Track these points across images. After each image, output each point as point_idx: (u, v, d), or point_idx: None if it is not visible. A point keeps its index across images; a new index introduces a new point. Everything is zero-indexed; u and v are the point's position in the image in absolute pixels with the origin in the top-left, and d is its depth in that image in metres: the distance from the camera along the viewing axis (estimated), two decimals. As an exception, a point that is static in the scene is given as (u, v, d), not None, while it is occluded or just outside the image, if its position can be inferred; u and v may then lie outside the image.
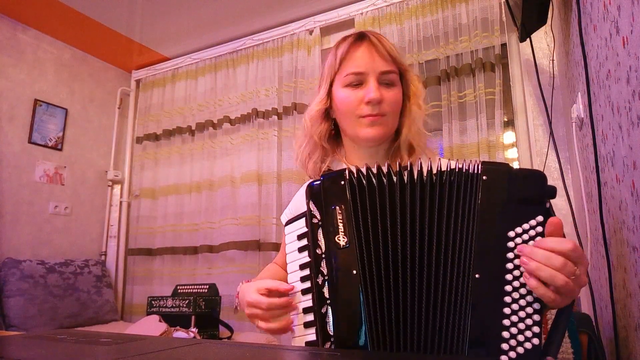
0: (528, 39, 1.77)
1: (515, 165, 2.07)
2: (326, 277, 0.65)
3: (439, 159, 0.92)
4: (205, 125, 2.79)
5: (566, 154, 1.81)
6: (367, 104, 0.84)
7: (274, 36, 2.63)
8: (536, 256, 0.54)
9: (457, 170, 0.63)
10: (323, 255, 0.66)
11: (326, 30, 2.52)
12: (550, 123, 1.78)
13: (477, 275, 0.58)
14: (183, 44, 2.87)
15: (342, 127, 0.92)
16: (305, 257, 0.69)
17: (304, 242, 0.70)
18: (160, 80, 3.07)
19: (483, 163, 0.62)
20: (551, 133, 1.78)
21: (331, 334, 0.63)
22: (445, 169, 0.64)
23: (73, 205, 2.77)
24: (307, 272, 0.69)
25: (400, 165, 0.66)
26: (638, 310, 0.86)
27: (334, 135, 0.97)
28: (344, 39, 0.90)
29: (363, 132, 0.86)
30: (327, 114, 0.94)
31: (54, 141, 2.68)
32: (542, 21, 1.68)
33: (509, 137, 2.11)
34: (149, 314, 2.19)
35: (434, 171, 0.64)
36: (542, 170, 0.62)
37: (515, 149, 2.08)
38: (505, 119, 2.09)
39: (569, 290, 0.54)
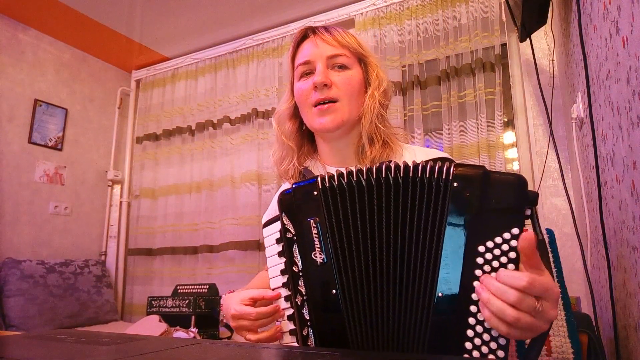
0: (528, 39, 1.77)
1: (516, 165, 2.07)
2: (305, 297, 0.61)
3: (412, 151, 0.88)
4: (205, 125, 2.79)
5: (566, 154, 1.81)
6: (315, 90, 0.84)
7: (274, 36, 2.63)
8: (491, 287, 0.50)
9: (425, 174, 0.56)
10: (300, 274, 0.62)
11: (326, 30, 2.52)
12: (550, 123, 1.78)
13: (439, 294, 0.54)
14: (183, 44, 2.87)
15: (305, 122, 0.91)
16: (285, 263, 0.65)
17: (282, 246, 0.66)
18: (160, 80, 3.07)
19: (456, 166, 0.55)
20: (551, 133, 1.78)
21: None
22: (412, 169, 0.58)
23: (73, 205, 2.76)
24: (287, 279, 0.65)
25: (371, 165, 0.60)
26: (638, 310, 0.86)
27: (309, 136, 0.97)
28: (293, 39, 0.92)
29: (316, 123, 0.84)
30: (294, 113, 0.94)
31: (54, 141, 2.68)
32: (542, 21, 1.68)
33: (509, 137, 2.11)
34: (149, 314, 2.19)
35: (401, 173, 0.57)
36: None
37: (515, 149, 2.08)
38: (505, 119, 2.09)
39: (526, 326, 0.48)
